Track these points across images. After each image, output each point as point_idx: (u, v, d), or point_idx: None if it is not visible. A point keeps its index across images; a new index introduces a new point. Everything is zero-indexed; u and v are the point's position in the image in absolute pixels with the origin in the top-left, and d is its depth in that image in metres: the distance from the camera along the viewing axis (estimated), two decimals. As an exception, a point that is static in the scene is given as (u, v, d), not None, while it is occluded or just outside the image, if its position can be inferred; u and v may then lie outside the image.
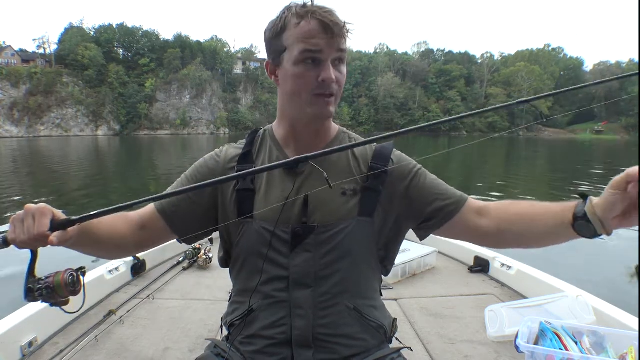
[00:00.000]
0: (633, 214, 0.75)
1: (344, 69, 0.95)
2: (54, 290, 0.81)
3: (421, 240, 1.10)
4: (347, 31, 0.92)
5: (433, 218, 1.01)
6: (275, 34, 0.93)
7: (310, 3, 0.92)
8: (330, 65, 0.91)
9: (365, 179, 0.99)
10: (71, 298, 0.84)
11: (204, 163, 1.07)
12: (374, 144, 1.06)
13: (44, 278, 0.82)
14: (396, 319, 1.15)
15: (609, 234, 0.78)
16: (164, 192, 0.90)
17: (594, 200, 0.80)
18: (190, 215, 1.02)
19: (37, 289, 0.80)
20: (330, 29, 0.89)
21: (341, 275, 0.97)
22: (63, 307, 0.85)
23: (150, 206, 1.04)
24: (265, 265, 0.96)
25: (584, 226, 0.80)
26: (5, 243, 0.81)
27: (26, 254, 0.82)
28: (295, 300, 0.95)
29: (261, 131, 1.10)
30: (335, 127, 1.08)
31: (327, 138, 1.05)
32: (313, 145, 1.01)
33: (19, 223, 0.80)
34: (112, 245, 0.99)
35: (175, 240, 1.07)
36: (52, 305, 0.84)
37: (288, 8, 0.93)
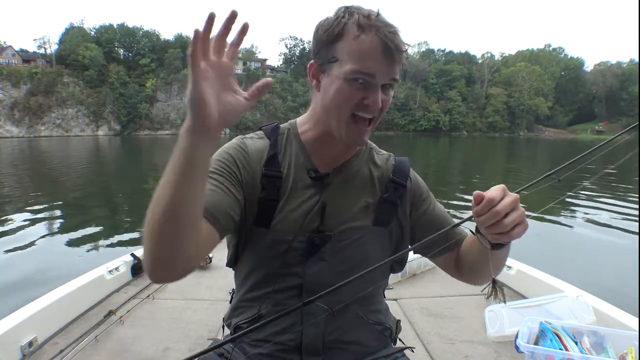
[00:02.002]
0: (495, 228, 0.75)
1: (392, 92, 0.88)
2: None
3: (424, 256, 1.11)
4: (406, 57, 0.86)
5: (433, 248, 1.01)
6: (330, 39, 0.85)
7: (375, 15, 0.83)
8: (380, 89, 0.84)
9: (384, 191, 0.99)
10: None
11: (229, 158, 0.93)
12: (392, 155, 1.07)
13: None
14: (400, 320, 1.15)
15: (490, 245, 0.82)
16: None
17: None
18: (232, 211, 0.88)
19: None
20: (391, 53, 0.81)
21: (355, 284, 0.93)
22: None
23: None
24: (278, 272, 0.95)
25: (480, 237, 0.83)
26: None
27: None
28: (308, 309, 0.92)
29: (284, 128, 1.01)
30: None
31: (354, 149, 1.01)
32: (341, 157, 0.99)
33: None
34: (190, 245, 0.74)
35: None
36: None
37: (350, 12, 0.84)
